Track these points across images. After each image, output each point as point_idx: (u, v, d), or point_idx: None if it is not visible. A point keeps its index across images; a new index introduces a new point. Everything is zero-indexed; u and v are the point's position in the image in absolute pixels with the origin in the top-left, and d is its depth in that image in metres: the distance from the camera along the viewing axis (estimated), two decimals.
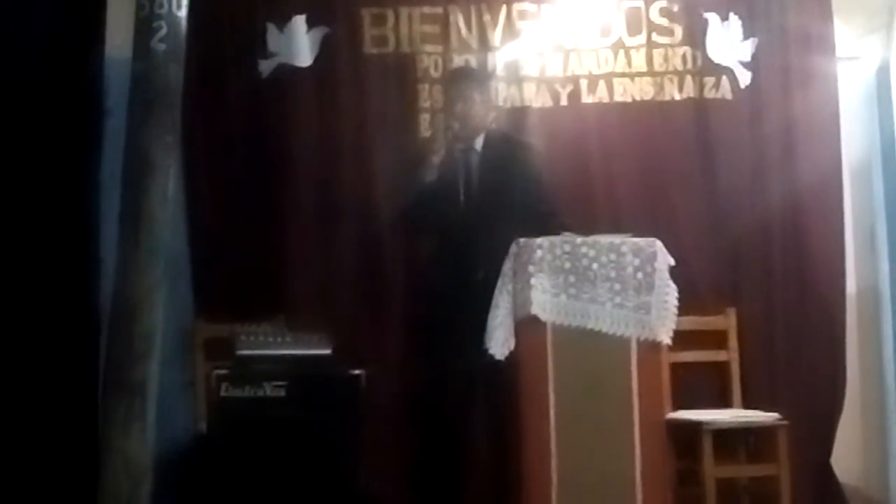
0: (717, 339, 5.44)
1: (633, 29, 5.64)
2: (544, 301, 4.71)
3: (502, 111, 5.53)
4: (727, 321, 5.47)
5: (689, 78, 5.65)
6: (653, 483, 4.68)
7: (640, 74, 5.62)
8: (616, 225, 5.26)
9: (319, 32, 5.46)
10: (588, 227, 5.05)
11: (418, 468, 5.22)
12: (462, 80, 5.22)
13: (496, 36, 5.56)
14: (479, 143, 5.11)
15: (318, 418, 4.54)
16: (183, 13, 3.59)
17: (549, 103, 5.56)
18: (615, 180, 5.55)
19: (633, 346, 4.75)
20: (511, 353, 4.70)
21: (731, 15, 5.67)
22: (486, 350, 4.69)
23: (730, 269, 5.58)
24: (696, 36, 5.66)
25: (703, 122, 5.64)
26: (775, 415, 5.01)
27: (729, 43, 5.66)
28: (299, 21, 5.44)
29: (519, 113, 5.55)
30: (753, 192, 5.60)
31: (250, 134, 5.41)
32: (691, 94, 5.64)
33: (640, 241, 4.85)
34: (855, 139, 5.85)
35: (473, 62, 5.54)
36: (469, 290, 4.83)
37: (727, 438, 5.05)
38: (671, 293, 4.83)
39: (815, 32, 5.69)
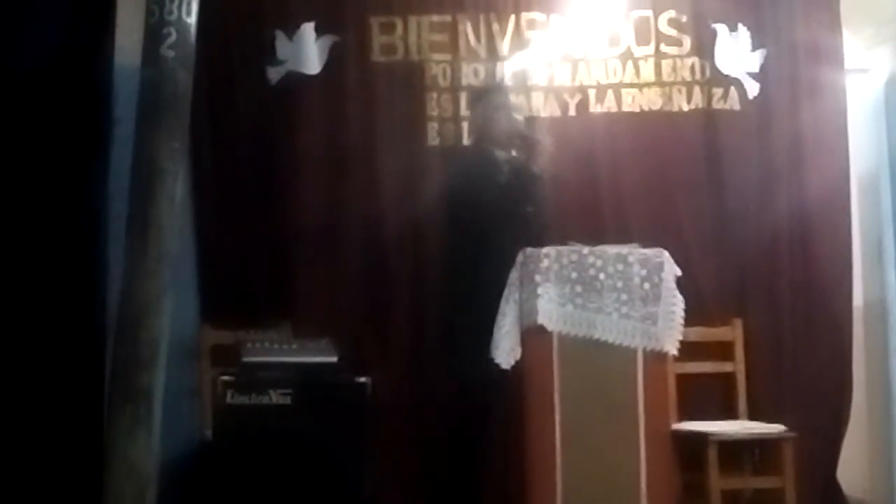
0: (723, 351, 5.43)
1: (641, 39, 5.64)
2: (550, 311, 4.71)
3: None
4: (734, 332, 5.46)
5: (697, 88, 5.65)
6: (658, 494, 4.67)
7: (649, 85, 5.63)
8: (623, 235, 5.26)
9: (328, 40, 5.47)
10: (595, 236, 5.06)
11: (423, 476, 5.22)
12: (502, 92, 5.26)
13: (505, 45, 5.57)
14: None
15: (324, 426, 4.54)
16: (192, 20, 3.61)
17: (557, 113, 5.56)
18: (622, 190, 5.55)
19: (640, 356, 4.75)
20: (517, 363, 4.69)
21: (740, 26, 5.67)
22: (491, 359, 4.68)
23: (736, 280, 5.58)
24: (704, 46, 5.66)
25: (711, 132, 5.64)
26: (781, 427, 5.01)
27: (737, 54, 5.66)
28: (308, 29, 5.45)
29: (527, 122, 5.54)
30: (761, 203, 5.60)
31: (258, 141, 5.41)
32: (699, 105, 5.64)
33: (647, 251, 4.85)
34: (863, 151, 5.84)
35: (482, 71, 5.55)
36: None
37: (733, 450, 5.04)
38: (678, 304, 4.82)
39: (823, 44, 5.69)
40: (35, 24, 4.47)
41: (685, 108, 5.64)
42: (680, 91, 5.65)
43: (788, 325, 5.57)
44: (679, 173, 5.59)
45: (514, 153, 5.08)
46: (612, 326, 4.74)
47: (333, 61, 5.47)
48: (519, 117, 5.20)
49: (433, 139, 5.50)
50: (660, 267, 4.81)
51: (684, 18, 5.66)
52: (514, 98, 5.35)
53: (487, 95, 5.28)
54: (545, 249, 4.76)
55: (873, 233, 5.85)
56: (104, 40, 4.78)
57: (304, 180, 5.40)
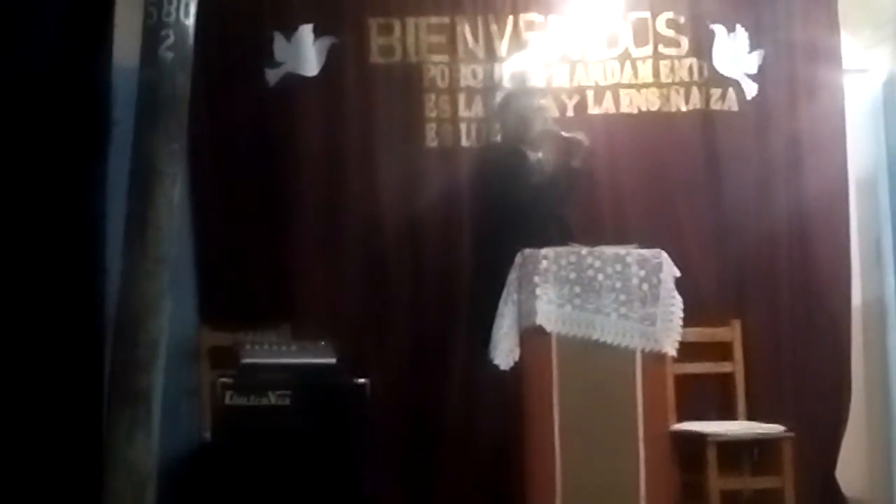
0: (722, 351, 5.43)
1: (639, 40, 5.64)
2: (549, 311, 4.71)
3: None
4: (732, 333, 5.46)
5: (695, 89, 5.65)
6: (657, 495, 4.68)
7: (647, 85, 5.63)
8: (622, 236, 5.26)
9: (326, 42, 5.47)
10: (594, 237, 5.06)
11: (423, 478, 5.22)
12: (536, 93, 5.32)
13: (503, 46, 5.57)
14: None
15: (323, 427, 4.54)
16: (190, 22, 3.61)
17: (555, 114, 5.55)
18: (621, 191, 5.55)
19: (638, 357, 4.76)
20: (516, 364, 4.70)
21: (738, 27, 5.67)
22: (490, 360, 4.69)
23: (735, 281, 5.58)
24: (702, 47, 5.66)
25: (709, 133, 5.65)
26: (780, 427, 5.01)
27: (735, 55, 5.67)
28: (306, 30, 5.45)
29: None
30: (759, 203, 5.60)
31: (257, 142, 5.41)
32: (697, 106, 5.65)
33: (646, 252, 4.86)
34: (861, 151, 5.85)
35: (480, 72, 5.55)
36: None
37: (732, 450, 5.04)
38: (676, 304, 4.83)
39: (821, 44, 5.70)
40: (34, 26, 4.47)
41: (683, 108, 5.65)
42: (678, 92, 5.66)
43: (787, 325, 5.57)
44: (677, 174, 5.60)
45: (541, 154, 5.11)
46: (611, 327, 4.75)
47: (331, 63, 5.47)
48: (551, 118, 5.24)
49: (431, 140, 5.50)
50: (658, 268, 4.82)
51: (682, 19, 5.67)
52: (546, 100, 5.37)
53: (521, 97, 5.29)
54: (544, 250, 4.77)
55: (872, 233, 5.85)
56: (102, 42, 4.78)
57: (303, 182, 5.40)
